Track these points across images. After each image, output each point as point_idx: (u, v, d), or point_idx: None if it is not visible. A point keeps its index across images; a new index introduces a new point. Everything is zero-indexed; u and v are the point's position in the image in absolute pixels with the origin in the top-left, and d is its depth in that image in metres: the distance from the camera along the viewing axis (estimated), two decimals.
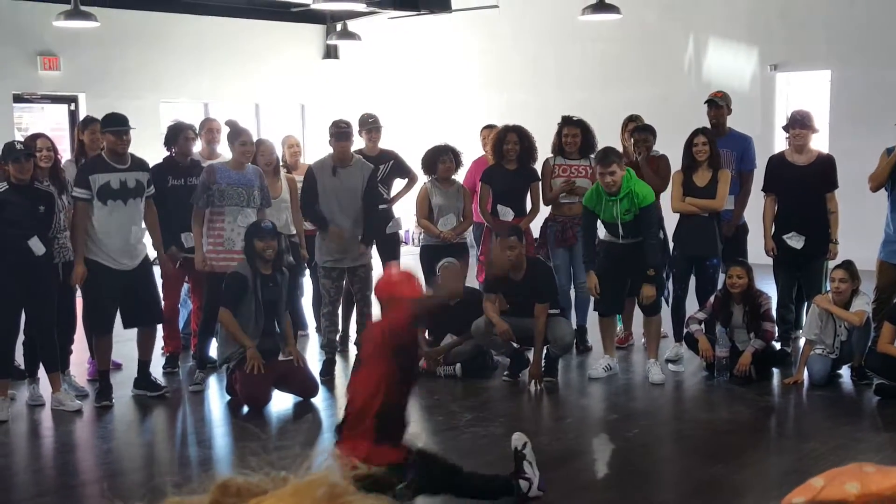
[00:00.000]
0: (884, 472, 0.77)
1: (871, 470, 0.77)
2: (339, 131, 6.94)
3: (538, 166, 7.68)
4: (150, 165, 6.76)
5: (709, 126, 7.58)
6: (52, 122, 13.20)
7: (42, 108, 13.55)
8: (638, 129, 7.59)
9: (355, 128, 7.37)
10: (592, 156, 7.64)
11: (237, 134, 6.87)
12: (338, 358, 7.31)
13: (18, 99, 13.00)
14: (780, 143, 8.66)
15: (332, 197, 6.90)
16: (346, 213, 6.91)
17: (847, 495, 0.76)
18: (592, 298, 7.12)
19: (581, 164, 7.52)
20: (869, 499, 0.75)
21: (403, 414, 4.38)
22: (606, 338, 7.04)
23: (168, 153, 7.25)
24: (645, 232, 6.63)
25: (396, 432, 4.28)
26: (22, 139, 6.76)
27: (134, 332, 6.68)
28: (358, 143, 7.70)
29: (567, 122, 7.62)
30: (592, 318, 7.54)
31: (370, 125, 7.91)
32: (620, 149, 7.95)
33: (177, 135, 7.18)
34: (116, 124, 6.38)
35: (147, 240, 6.68)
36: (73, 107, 13.43)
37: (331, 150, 7.02)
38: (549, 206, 7.64)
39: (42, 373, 6.41)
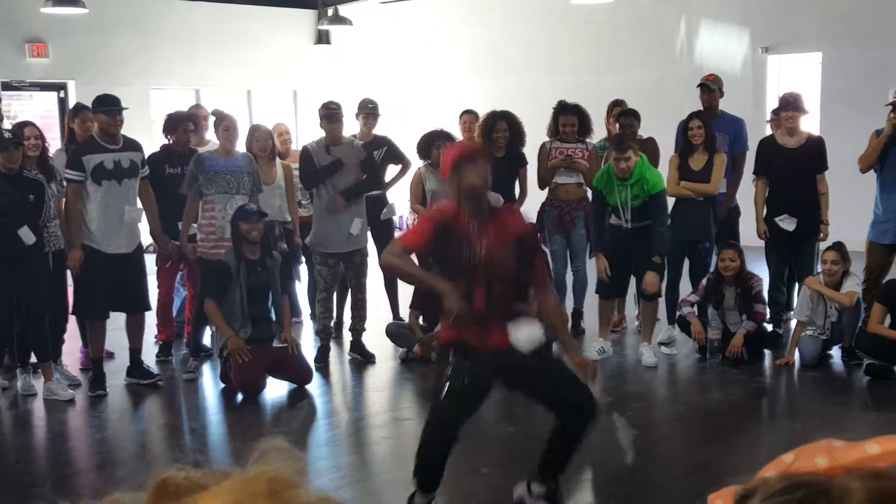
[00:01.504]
0: (850, 446, 0.80)
1: (840, 445, 0.80)
2: (329, 112, 6.96)
3: (533, 151, 7.66)
4: (147, 154, 6.76)
5: (702, 109, 7.59)
6: (41, 110, 13.15)
7: (31, 96, 13.49)
8: (623, 114, 7.60)
9: (347, 111, 7.36)
10: (589, 139, 7.65)
11: (220, 119, 6.89)
12: (332, 344, 7.32)
13: (6, 86, 12.94)
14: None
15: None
16: (340, 189, 6.93)
17: (816, 468, 0.78)
18: (591, 282, 7.12)
19: (578, 147, 7.52)
20: (836, 472, 0.77)
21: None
22: (603, 320, 7.05)
23: (166, 142, 7.24)
24: (654, 219, 6.59)
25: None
26: (10, 127, 6.73)
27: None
28: (352, 127, 7.68)
29: (564, 110, 7.59)
30: (588, 302, 7.56)
31: (368, 111, 7.89)
32: (605, 133, 7.98)
33: (176, 125, 7.17)
34: (108, 104, 6.37)
35: (143, 226, 6.68)
36: (62, 94, 13.38)
37: (322, 134, 7.04)
38: (546, 191, 7.62)
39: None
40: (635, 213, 6.63)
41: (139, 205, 6.52)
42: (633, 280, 7.04)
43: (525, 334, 3.89)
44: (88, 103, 6.96)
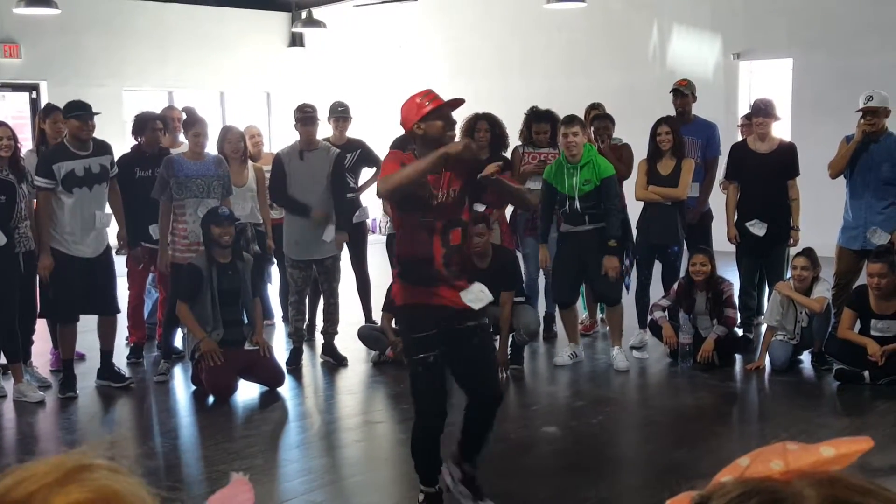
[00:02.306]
0: (805, 449, 0.81)
1: (794, 448, 0.81)
2: (305, 115, 6.94)
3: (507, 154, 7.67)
4: (117, 157, 6.71)
5: (674, 114, 7.64)
6: (12, 111, 13.01)
7: (3, 97, 13.37)
8: (597, 118, 7.67)
9: (321, 113, 7.34)
10: None
11: (192, 123, 6.85)
12: (304, 347, 7.29)
13: None
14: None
15: (299, 181, 6.89)
16: (314, 196, 6.89)
17: (771, 472, 0.79)
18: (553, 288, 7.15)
19: (551, 152, 7.54)
20: (791, 476, 0.78)
21: (429, 266, 4.08)
22: (570, 327, 7.07)
23: (135, 143, 7.19)
24: (606, 204, 6.64)
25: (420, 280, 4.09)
26: None
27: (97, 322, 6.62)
28: (325, 131, 7.66)
29: (537, 117, 7.60)
30: None
31: (339, 114, 7.86)
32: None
33: (144, 125, 7.12)
34: (80, 109, 6.32)
35: (111, 227, 6.63)
36: (34, 95, 13.26)
37: (297, 137, 7.02)
38: None
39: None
40: (585, 200, 6.65)
41: (108, 209, 6.48)
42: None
43: (474, 295, 4.06)
44: (60, 104, 6.90)
